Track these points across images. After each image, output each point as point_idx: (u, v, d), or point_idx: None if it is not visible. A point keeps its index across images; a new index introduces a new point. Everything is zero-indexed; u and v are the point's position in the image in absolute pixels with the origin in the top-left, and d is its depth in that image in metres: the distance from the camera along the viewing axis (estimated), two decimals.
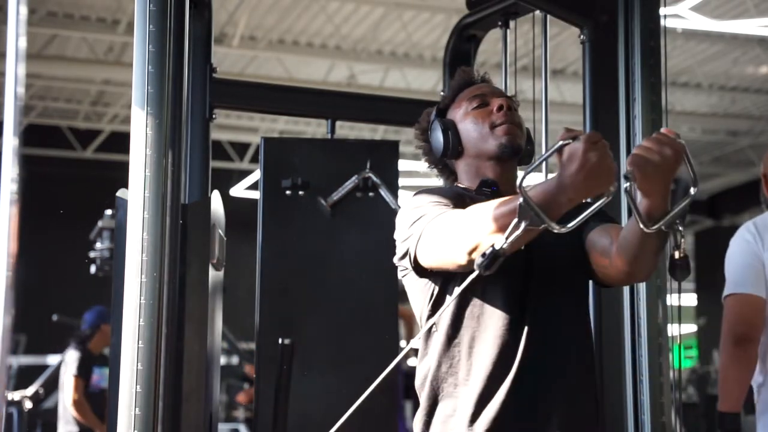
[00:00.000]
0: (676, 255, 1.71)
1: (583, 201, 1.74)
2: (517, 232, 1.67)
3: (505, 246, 1.69)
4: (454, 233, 1.85)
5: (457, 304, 2.02)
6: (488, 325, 2.00)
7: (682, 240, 1.71)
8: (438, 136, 2.19)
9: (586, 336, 2.11)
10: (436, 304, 2.05)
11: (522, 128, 2.17)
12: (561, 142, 1.66)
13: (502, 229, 1.71)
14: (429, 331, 2.06)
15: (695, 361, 13.28)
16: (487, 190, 2.10)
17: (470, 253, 1.80)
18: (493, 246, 1.69)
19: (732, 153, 12.69)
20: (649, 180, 1.66)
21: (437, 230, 1.91)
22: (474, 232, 1.79)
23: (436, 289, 2.05)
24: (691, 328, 14.29)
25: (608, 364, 2.84)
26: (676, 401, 2.72)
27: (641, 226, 1.70)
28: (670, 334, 2.69)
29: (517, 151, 2.14)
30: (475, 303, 2.01)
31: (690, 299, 14.36)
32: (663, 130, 1.68)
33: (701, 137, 11.93)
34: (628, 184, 1.66)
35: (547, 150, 1.71)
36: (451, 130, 2.17)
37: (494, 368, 1.97)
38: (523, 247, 1.82)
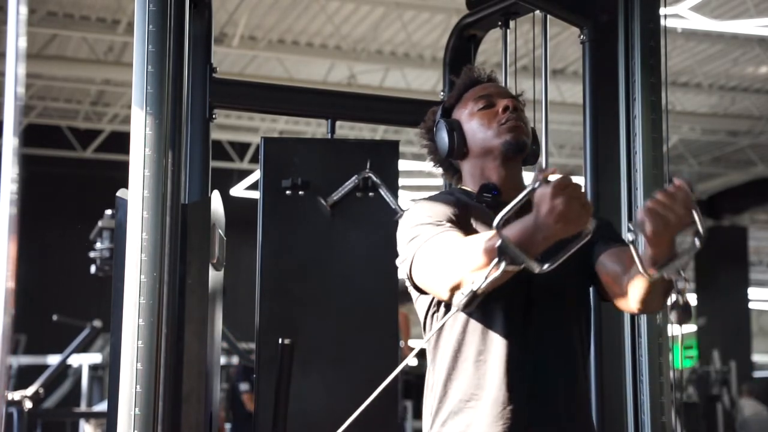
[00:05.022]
0: (679, 300, 1.76)
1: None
2: (496, 273, 1.70)
3: (483, 286, 1.72)
4: (439, 268, 1.87)
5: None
6: (492, 339, 1.99)
7: (685, 286, 1.76)
8: (443, 136, 2.17)
9: (587, 348, 2.12)
10: (434, 318, 2.06)
11: (528, 127, 2.15)
12: (531, 187, 1.67)
13: (482, 267, 1.73)
14: (436, 343, 2.06)
15: (695, 361, 13.26)
16: (487, 196, 2.08)
17: (452, 290, 1.83)
18: (472, 286, 1.72)
19: (732, 153, 12.69)
20: (657, 234, 1.68)
21: (425, 261, 1.92)
22: (456, 271, 1.81)
23: (434, 301, 2.05)
24: (691, 328, 14.28)
25: (608, 363, 2.84)
26: (676, 401, 2.71)
27: (643, 272, 1.74)
28: (670, 334, 2.69)
29: (522, 148, 2.12)
30: (478, 318, 2.00)
31: (690, 299, 14.32)
32: (676, 182, 1.69)
33: (701, 137, 11.93)
34: (633, 235, 1.70)
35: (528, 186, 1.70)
36: (456, 130, 2.15)
37: (503, 382, 1.96)
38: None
